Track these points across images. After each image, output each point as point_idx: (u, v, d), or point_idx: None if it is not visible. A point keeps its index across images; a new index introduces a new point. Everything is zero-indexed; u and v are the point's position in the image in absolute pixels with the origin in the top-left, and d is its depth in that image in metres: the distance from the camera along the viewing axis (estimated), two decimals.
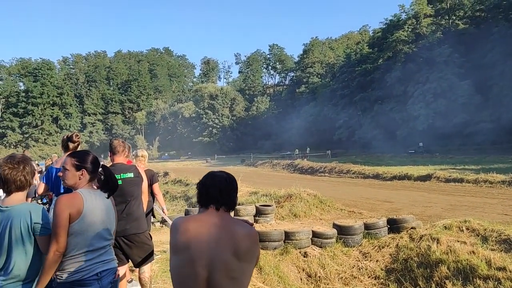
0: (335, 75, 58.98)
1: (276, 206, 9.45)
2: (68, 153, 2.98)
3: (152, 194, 5.07)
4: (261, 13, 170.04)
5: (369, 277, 6.31)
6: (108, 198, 2.32)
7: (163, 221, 8.71)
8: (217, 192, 1.75)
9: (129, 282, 4.11)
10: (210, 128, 71.14)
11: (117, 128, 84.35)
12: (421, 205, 10.88)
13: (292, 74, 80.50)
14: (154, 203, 5.42)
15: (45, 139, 77.50)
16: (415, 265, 6.05)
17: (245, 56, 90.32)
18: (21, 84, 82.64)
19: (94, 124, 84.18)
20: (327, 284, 6.13)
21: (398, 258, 6.42)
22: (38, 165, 12.98)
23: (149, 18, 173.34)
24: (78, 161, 2.27)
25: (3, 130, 76.45)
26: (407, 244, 6.61)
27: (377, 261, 6.55)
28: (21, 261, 2.10)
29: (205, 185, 1.79)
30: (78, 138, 3.72)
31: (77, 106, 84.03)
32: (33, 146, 74.34)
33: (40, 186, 3.71)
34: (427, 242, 6.40)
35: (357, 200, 12.33)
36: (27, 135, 77.00)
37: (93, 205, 2.19)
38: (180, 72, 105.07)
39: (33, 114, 76.69)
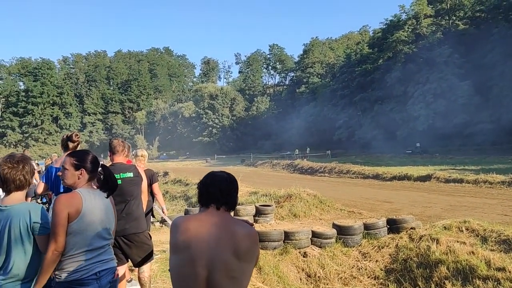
0: (335, 75, 58.98)
1: (276, 206, 9.45)
2: (68, 152, 2.98)
3: (151, 194, 5.07)
4: (261, 13, 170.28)
5: (368, 277, 6.31)
6: (107, 197, 2.32)
7: (162, 221, 8.69)
8: (217, 191, 1.75)
9: (129, 281, 4.10)
10: (210, 128, 71.09)
11: (117, 128, 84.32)
12: (420, 206, 10.88)
13: (292, 74, 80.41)
14: (154, 203, 5.42)
15: (45, 139, 77.52)
16: (415, 265, 6.06)
17: (245, 56, 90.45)
18: (21, 83, 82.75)
19: (94, 124, 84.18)
20: (327, 284, 6.13)
21: (397, 258, 6.42)
22: (37, 164, 12.99)
23: (149, 18, 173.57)
24: (77, 161, 2.27)
25: (3, 130, 76.51)
26: (407, 245, 6.61)
27: (376, 261, 6.55)
28: (20, 261, 2.10)
29: (205, 184, 1.79)
30: (78, 138, 3.72)
31: (77, 106, 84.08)
32: (33, 145, 74.33)
33: (39, 185, 3.70)
34: (426, 242, 6.40)
35: (356, 200, 12.33)
36: (27, 135, 77.06)
37: (92, 205, 2.19)
38: (180, 72, 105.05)
39: (33, 113, 76.76)
